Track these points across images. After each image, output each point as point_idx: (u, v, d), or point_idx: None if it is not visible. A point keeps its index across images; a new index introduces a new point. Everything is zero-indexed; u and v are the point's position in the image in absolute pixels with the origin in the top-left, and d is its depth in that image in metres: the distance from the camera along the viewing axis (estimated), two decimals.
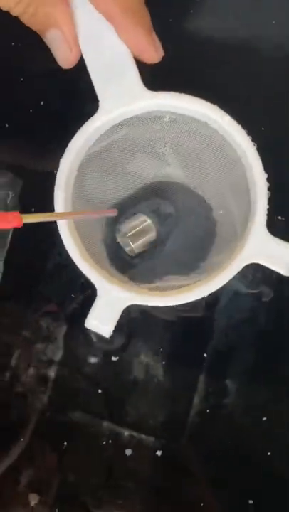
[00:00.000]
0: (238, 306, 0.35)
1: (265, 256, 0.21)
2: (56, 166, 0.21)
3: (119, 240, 0.25)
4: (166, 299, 0.21)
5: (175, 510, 0.33)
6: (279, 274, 0.34)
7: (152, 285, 0.23)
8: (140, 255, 0.26)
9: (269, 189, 0.21)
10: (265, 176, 0.21)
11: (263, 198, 0.21)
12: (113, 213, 0.24)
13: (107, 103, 0.21)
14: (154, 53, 0.20)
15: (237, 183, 0.22)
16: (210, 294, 0.29)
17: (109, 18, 0.19)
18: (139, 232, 0.25)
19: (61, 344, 0.35)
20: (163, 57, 0.21)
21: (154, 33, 0.20)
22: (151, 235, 0.25)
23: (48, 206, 0.22)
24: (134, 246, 0.25)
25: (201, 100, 0.21)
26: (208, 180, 0.25)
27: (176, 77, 0.27)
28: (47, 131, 0.34)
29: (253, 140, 0.21)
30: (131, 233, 0.25)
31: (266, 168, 0.21)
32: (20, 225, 0.17)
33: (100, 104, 0.21)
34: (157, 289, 0.23)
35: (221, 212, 0.25)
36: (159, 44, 0.20)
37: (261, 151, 0.22)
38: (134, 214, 0.25)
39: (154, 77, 0.22)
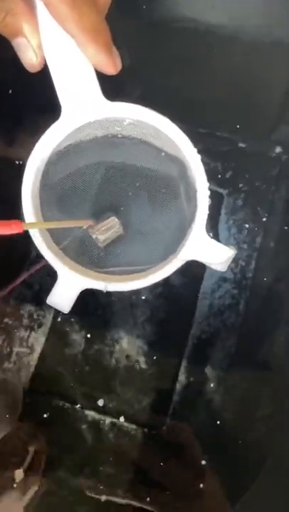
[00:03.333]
0: (219, 294, 0.38)
1: (203, 255, 0.24)
2: (25, 155, 0.24)
3: (92, 235, 0.28)
4: (117, 285, 0.25)
5: (156, 494, 0.34)
6: (258, 262, 0.36)
7: (110, 272, 0.27)
8: (109, 247, 0.29)
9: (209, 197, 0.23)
10: (207, 185, 0.23)
11: (205, 204, 0.23)
12: (94, 224, 0.27)
13: (69, 111, 0.23)
14: (112, 67, 0.21)
15: (188, 189, 0.25)
16: (192, 282, 0.31)
17: (71, 35, 0.21)
18: (107, 228, 0.28)
19: (44, 331, 0.37)
20: (123, 66, 0.23)
21: (113, 48, 0.21)
22: (118, 230, 0.28)
23: (18, 193, 0.24)
24: (103, 240, 0.28)
25: (152, 112, 0.23)
26: (168, 183, 0.27)
27: (139, 82, 0.28)
28: (15, 121, 0.35)
29: (202, 149, 0.23)
30: (101, 229, 0.28)
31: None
32: (21, 232, 0.20)
33: (63, 111, 0.23)
34: (113, 275, 0.26)
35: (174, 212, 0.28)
36: (117, 57, 0.21)
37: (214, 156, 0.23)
38: (105, 216, 0.28)
39: (116, 83, 0.24)
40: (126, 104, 0.23)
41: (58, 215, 0.26)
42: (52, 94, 0.22)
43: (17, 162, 0.36)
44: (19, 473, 0.35)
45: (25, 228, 0.20)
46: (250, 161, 0.40)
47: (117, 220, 0.27)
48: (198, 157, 0.23)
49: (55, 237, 0.25)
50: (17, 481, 0.34)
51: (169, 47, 0.38)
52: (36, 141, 0.23)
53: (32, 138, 0.23)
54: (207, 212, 0.23)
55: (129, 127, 0.24)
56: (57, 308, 0.25)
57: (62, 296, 0.24)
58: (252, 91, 0.39)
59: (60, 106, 0.23)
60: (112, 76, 0.22)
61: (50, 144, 0.23)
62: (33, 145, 0.23)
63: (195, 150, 0.23)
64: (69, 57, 0.21)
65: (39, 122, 0.24)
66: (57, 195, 0.26)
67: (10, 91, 0.36)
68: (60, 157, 0.25)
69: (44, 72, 0.22)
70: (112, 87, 0.24)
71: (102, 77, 0.22)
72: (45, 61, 0.22)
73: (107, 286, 0.25)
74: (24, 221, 0.20)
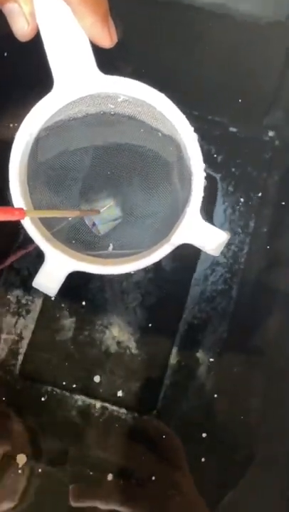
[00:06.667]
0: (212, 279, 0.37)
1: (196, 238, 0.23)
2: (14, 129, 0.22)
3: (87, 222, 0.27)
4: (107, 268, 0.24)
5: (145, 481, 0.34)
6: (251, 247, 0.35)
7: (100, 255, 0.26)
8: (106, 233, 0.28)
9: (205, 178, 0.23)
10: (203, 166, 0.22)
11: (200, 186, 0.23)
12: (96, 213, 0.26)
13: (62, 83, 0.22)
14: (108, 40, 0.20)
15: (183, 170, 0.24)
16: (184, 267, 0.30)
17: (68, 3, 0.20)
18: (103, 214, 0.27)
19: (33, 317, 0.36)
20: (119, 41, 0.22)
21: (110, 20, 0.20)
22: (114, 215, 0.27)
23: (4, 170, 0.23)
24: (100, 228, 0.27)
25: (148, 87, 0.22)
26: (163, 164, 0.26)
27: (129, 60, 0.27)
28: (4, 91, 0.33)
29: (198, 128, 0.22)
30: (96, 216, 0.27)
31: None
32: (23, 219, 0.19)
33: (55, 83, 0.22)
34: (104, 258, 0.25)
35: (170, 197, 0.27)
36: (113, 31, 0.21)
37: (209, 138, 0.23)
38: (99, 198, 0.27)
39: (111, 58, 0.23)
40: (121, 78, 0.22)
41: (47, 194, 0.25)
42: (45, 66, 0.21)
43: (9, 125, 0.34)
44: (22, 458, 0.34)
45: (29, 216, 0.19)
46: (243, 145, 0.39)
47: (113, 203, 0.26)
48: (195, 137, 0.22)
49: (46, 218, 0.24)
50: (20, 465, 0.34)
51: (163, 23, 0.37)
52: (26, 114, 0.22)
53: (22, 111, 0.22)
54: (202, 194, 0.23)
55: (123, 104, 0.24)
56: (43, 291, 0.24)
57: (49, 278, 0.23)
58: (246, 73, 0.38)
59: (52, 78, 0.22)
60: (104, 50, 0.21)
61: (40, 117, 0.22)
62: (23, 118, 0.22)
63: (192, 129, 0.22)
64: (64, 27, 0.20)
65: (30, 95, 0.23)
66: (46, 173, 0.25)
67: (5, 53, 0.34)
68: (50, 133, 0.24)
69: (37, 42, 0.21)
70: (104, 62, 0.23)
71: (94, 51, 0.21)
72: (37, 30, 0.21)
73: (97, 270, 0.24)
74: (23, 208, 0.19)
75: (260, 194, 0.39)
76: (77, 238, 0.27)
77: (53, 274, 0.23)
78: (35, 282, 0.24)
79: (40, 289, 0.24)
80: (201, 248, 0.24)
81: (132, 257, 0.24)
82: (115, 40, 0.21)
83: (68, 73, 0.21)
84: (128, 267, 0.24)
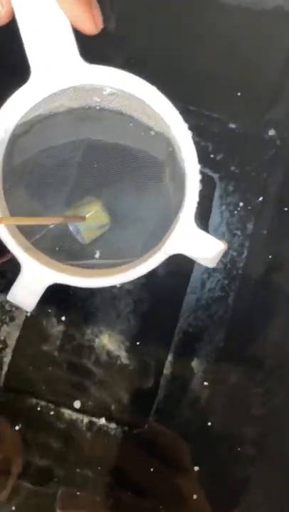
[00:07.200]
0: (209, 285, 0.35)
1: (190, 248, 0.21)
2: None
3: (71, 229, 0.25)
4: (92, 280, 0.22)
5: (135, 498, 0.32)
6: (250, 251, 0.34)
7: (84, 265, 0.24)
8: (93, 242, 0.26)
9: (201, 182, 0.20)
10: (198, 167, 0.20)
11: (194, 190, 0.20)
12: (82, 220, 0.24)
13: (40, 73, 0.19)
14: (92, 25, 0.18)
15: (176, 172, 0.22)
16: (179, 273, 0.29)
17: None
18: (89, 220, 0.25)
19: (18, 325, 0.34)
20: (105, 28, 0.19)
21: (95, 3, 0.18)
22: (101, 222, 0.25)
23: None
24: (86, 235, 0.25)
25: (137, 79, 0.19)
26: (153, 165, 0.24)
27: (120, 49, 0.25)
28: None
29: (192, 128, 0.20)
30: (82, 223, 0.25)
31: None
32: None
33: (32, 72, 0.19)
34: (90, 269, 0.23)
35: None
36: (99, 15, 0.18)
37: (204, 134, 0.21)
38: (85, 202, 0.25)
39: (96, 48, 0.20)
40: (107, 68, 0.19)
41: (26, 198, 0.23)
42: (22, 53, 0.19)
43: None
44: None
45: (3, 223, 0.17)
46: (243, 143, 0.38)
47: (99, 208, 0.24)
48: (190, 135, 0.20)
49: (25, 225, 0.22)
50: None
51: (161, 12, 0.35)
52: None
53: None
54: (197, 199, 0.20)
55: (109, 98, 0.21)
56: (18, 305, 0.22)
57: (26, 291, 0.21)
58: (246, 66, 0.36)
59: (29, 67, 0.19)
60: (93, 39, 0.19)
61: (17, 111, 0.20)
62: None
63: (186, 126, 0.20)
64: (42, 10, 0.18)
65: (6, 85, 0.21)
66: (25, 175, 0.23)
67: None
68: (29, 130, 0.21)
69: (12, 26, 0.19)
70: (93, 51, 0.20)
71: (81, 40, 0.19)
72: (13, 14, 0.18)
73: (79, 282, 0.21)
74: None
75: (260, 195, 0.37)
76: (61, 246, 0.24)
77: (30, 286, 0.21)
78: (9, 296, 0.21)
79: (16, 304, 0.22)
80: (194, 259, 0.21)
81: (119, 267, 0.22)
82: (100, 25, 0.19)
83: (47, 62, 0.19)
84: (115, 279, 0.21)
